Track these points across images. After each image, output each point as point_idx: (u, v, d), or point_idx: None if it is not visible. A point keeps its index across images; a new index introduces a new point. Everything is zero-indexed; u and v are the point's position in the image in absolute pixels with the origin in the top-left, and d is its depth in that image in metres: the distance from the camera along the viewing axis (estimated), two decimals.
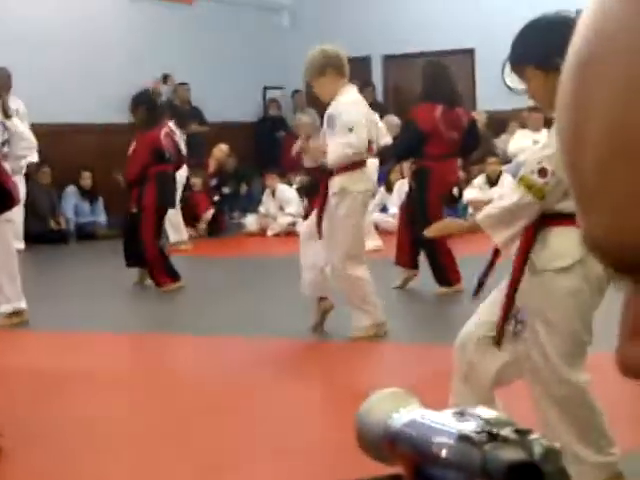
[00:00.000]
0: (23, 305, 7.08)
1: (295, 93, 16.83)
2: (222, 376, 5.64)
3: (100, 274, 10.14)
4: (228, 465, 4.11)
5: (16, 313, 7.10)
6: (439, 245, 7.87)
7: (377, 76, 16.81)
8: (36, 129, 12.85)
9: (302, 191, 13.52)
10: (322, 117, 6.64)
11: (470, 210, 12.19)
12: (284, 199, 13.36)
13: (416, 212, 7.90)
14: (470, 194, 12.31)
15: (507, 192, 3.42)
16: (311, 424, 4.74)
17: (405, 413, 1.63)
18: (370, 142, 6.36)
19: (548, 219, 3.31)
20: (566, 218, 3.21)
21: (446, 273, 7.96)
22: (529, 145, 13.17)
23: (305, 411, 4.94)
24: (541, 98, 3.37)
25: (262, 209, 13.54)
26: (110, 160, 13.61)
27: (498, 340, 3.38)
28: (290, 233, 12.68)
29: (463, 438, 1.05)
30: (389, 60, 16.43)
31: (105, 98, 13.50)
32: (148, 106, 9.02)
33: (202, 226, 13.41)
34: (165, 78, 14.88)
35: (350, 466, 4.03)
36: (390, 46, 16.31)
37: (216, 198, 14.05)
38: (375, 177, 9.40)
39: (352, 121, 6.15)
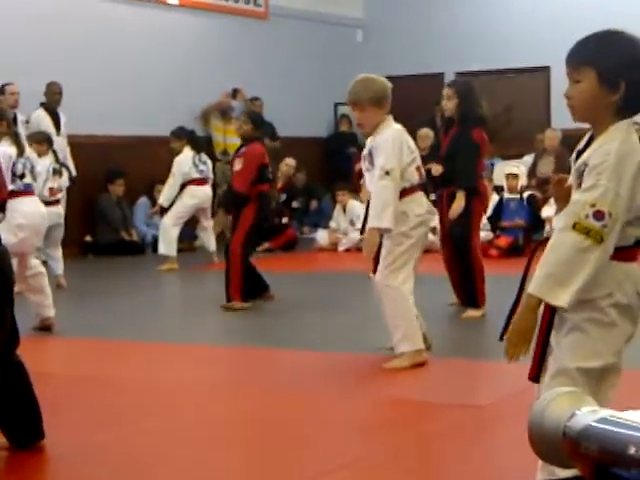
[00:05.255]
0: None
1: None
2: (286, 389, 5.54)
3: (168, 288, 10.13)
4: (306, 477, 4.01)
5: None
6: (479, 270, 7.78)
7: None
8: (111, 141, 13.03)
9: None
10: None
11: (547, 227, 12.00)
12: (355, 215, 13.26)
13: (459, 235, 7.73)
14: (547, 212, 12.14)
15: (555, 243, 2.99)
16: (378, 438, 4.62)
17: (588, 412, 1.50)
18: (418, 168, 6.13)
19: None
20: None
21: (478, 296, 7.76)
22: None
23: (370, 425, 4.83)
24: (579, 104, 3.03)
25: (333, 224, 13.46)
26: None
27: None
28: (361, 248, 12.58)
29: None
30: (462, 77, 16.27)
31: (178, 111, 13.51)
32: (256, 121, 8.89)
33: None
34: (235, 92, 14.87)
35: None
36: (463, 63, 16.17)
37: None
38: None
39: (390, 166, 5.87)
